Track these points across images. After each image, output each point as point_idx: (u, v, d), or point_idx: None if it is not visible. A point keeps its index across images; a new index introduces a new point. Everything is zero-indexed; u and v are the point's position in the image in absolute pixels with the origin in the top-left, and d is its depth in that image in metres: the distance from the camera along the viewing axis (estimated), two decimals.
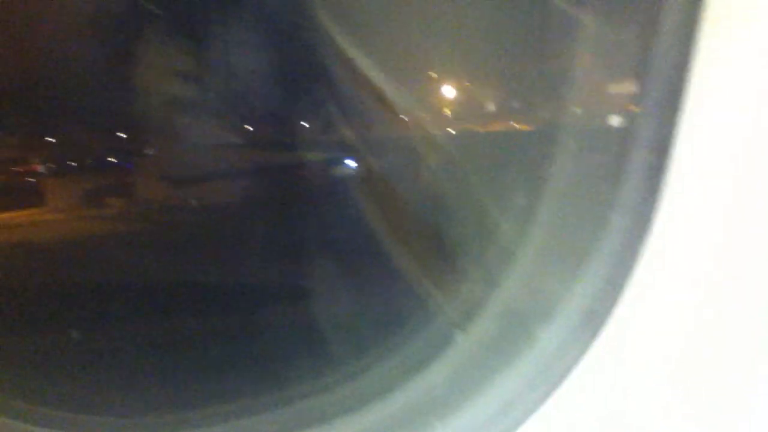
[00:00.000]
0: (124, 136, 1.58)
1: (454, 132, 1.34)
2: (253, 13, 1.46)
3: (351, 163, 1.43)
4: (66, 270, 1.49)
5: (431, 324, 1.01)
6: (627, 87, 0.75)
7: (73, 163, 1.63)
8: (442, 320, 1.01)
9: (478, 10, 1.11)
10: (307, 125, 1.51)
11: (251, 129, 1.58)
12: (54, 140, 1.59)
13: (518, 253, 0.88)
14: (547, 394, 0.76)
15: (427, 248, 1.18)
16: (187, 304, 1.41)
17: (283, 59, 1.47)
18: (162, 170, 1.63)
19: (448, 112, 1.38)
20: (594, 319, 0.72)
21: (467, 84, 1.33)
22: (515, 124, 1.14)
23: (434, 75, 1.34)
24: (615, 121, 0.75)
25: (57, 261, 1.54)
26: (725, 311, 0.71)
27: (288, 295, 1.35)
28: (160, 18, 1.42)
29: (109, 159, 1.63)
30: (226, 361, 1.21)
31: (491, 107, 1.28)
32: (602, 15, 0.86)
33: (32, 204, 1.60)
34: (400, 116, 1.33)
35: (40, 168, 1.59)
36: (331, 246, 1.37)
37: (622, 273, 0.69)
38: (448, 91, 1.38)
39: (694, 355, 0.72)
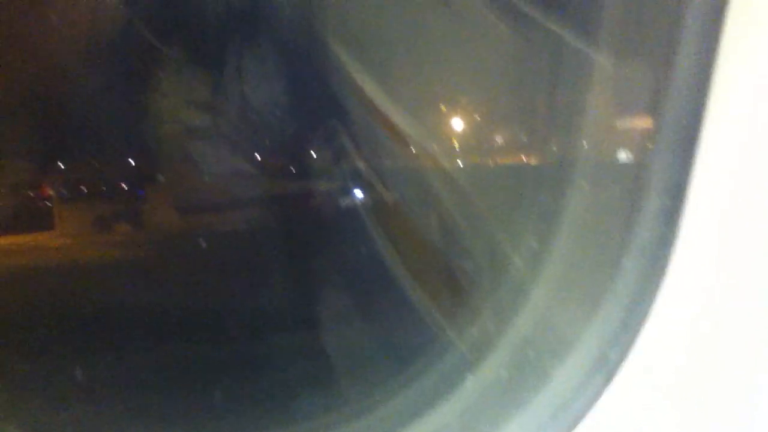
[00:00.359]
0: (138, 163, 1.59)
1: (466, 165, 1.34)
2: (268, 44, 1.48)
3: (364, 194, 1.44)
4: (71, 296, 1.49)
5: (443, 361, 1.00)
6: (642, 125, 0.75)
7: (86, 189, 1.65)
8: (454, 357, 1.00)
9: (493, 45, 1.11)
10: (321, 155, 1.52)
11: (265, 158, 1.59)
12: (68, 166, 1.61)
13: (531, 292, 0.88)
14: None
15: (439, 282, 1.18)
16: (195, 334, 1.40)
17: (297, 90, 1.49)
18: (176, 198, 1.64)
19: (460, 145, 1.38)
20: (608, 363, 0.71)
21: (481, 118, 1.34)
22: (528, 160, 1.14)
23: (449, 108, 1.35)
24: (629, 160, 0.74)
25: (64, 287, 1.54)
26: (745, 357, 0.70)
27: (298, 327, 1.35)
28: (176, 49, 1.44)
29: (123, 186, 1.64)
30: (232, 395, 1.20)
31: (504, 142, 1.28)
32: (617, 52, 0.86)
33: (43, 228, 1.61)
34: (413, 148, 1.34)
35: (53, 193, 1.61)
36: (341, 277, 1.36)
37: (637, 317, 0.68)
38: (462, 125, 1.38)
39: (711, 402, 0.70)
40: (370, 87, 1.32)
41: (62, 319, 1.40)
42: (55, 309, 1.46)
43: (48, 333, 1.35)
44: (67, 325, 1.38)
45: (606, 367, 0.72)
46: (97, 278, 1.54)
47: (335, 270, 1.37)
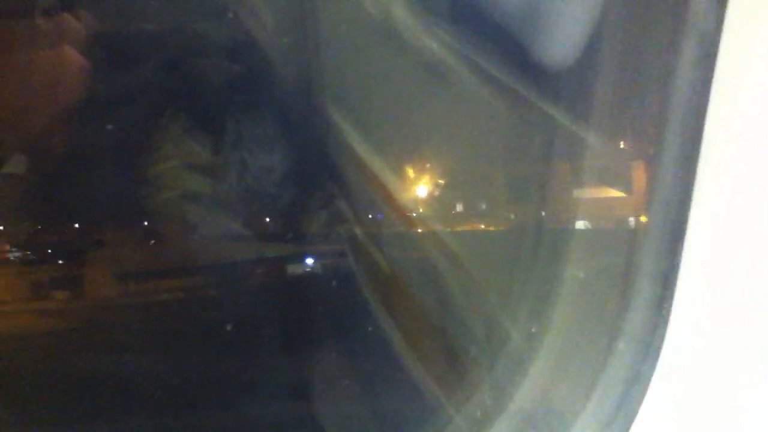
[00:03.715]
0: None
1: (461, 231, 1.40)
2: (265, 109, 1.54)
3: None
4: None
5: None
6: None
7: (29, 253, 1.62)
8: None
9: (489, 119, 1.19)
10: (315, 219, 1.56)
11: (260, 222, 1.63)
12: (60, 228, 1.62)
13: (530, 367, 0.91)
14: None
15: (437, 354, 1.21)
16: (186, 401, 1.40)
17: (295, 156, 1.54)
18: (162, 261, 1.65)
19: (454, 211, 1.44)
20: None
21: (477, 185, 1.40)
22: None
23: (446, 176, 1.41)
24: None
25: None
26: None
27: (289, 399, 1.36)
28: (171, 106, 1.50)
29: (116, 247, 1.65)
30: None
31: (498, 210, 1.34)
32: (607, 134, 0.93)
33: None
34: (411, 215, 1.40)
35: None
36: (337, 346, 1.39)
37: (633, 399, 0.72)
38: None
39: None
40: (367, 153, 1.39)
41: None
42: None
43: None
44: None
45: None
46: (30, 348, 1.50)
47: (329, 340, 1.39)
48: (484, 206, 1.41)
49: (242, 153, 1.50)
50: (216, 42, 1.45)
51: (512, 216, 1.35)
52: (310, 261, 1.58)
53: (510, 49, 1.11)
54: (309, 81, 1.40)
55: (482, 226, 1.41)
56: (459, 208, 1.45)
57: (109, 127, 1.47)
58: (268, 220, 1.60)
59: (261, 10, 1.39)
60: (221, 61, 1.44)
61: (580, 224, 0.94)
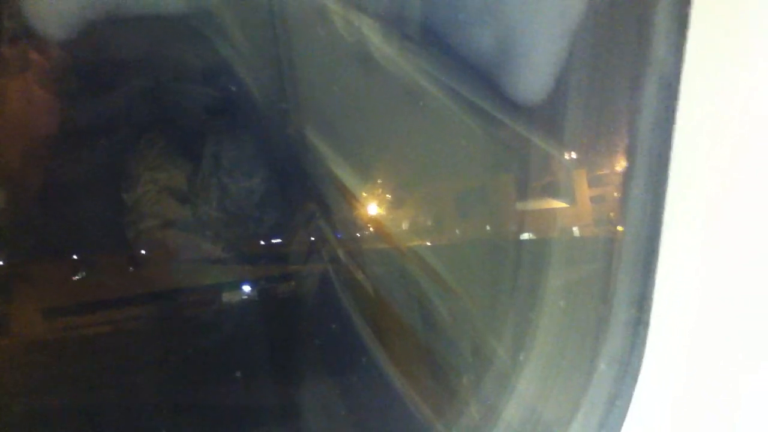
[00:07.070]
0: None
1: (442, 246, 1.45)
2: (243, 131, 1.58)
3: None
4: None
5: None
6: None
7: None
8: None
9: (470, 142, 1.24)
10: (296, 239, 1.60)
11: (239, 244, 1.66)
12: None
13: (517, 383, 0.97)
14: None
15: (424, 370, 1.26)
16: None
17: (272, 176, 1.58)
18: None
19: (437, 225, 1.49)
20: None
21: (458, 198, 1.45)
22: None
23: (428, 192, 1.46)
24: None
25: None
26: None
27: (274, 420, 1.38)
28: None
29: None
30: None
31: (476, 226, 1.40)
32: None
33: None
34: (391, 232, 1.44)
35: None
36: (320, 365, 1.42)
37: (614, 420, 0.78)
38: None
39: None
40: (345, 174, 1.43)
41: None
42: None
43: None
44: None
45: None
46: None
47: (311, 360, 1.42)
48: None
49: (220, 177, 1.53)
50: (191, 67, 1.47)
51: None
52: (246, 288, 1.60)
53: (476, 76, 1.17)
54: (284, 101, 1.44)
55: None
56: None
57: (83, 155, 1.48)
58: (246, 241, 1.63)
59: (235, 33, 1.42)
60: (196, 86, 1.47)
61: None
